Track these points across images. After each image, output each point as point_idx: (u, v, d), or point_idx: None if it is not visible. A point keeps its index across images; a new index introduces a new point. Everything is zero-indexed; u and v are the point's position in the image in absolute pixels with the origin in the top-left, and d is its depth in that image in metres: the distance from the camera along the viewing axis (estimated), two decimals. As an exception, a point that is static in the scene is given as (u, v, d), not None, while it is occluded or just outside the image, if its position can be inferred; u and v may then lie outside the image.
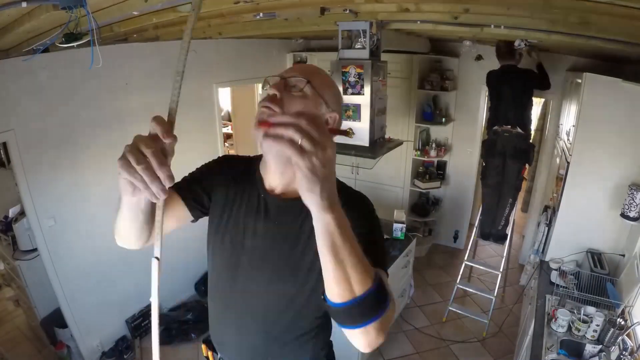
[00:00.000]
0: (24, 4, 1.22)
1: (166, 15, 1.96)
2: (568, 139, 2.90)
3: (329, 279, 0.69)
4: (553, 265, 2.77)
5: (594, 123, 2.58)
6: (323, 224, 0.65)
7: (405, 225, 3.25)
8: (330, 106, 0.97)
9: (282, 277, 1.04)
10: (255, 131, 0.83)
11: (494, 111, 3.30)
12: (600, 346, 2.05)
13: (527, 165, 3.48)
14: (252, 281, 1.07)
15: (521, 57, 3.15)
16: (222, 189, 1.10)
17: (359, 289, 0.68)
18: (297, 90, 0.93)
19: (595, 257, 2.67)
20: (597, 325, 2.10)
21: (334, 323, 0.81)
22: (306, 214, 0.67)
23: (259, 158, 1.12)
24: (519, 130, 3.16)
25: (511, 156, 3.22)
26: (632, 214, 2.36)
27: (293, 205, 0.99)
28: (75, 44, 1.50)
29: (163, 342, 3.23)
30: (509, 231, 3.49)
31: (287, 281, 1.04)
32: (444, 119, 4.32)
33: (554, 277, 2.67)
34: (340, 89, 2.64)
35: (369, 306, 0.70)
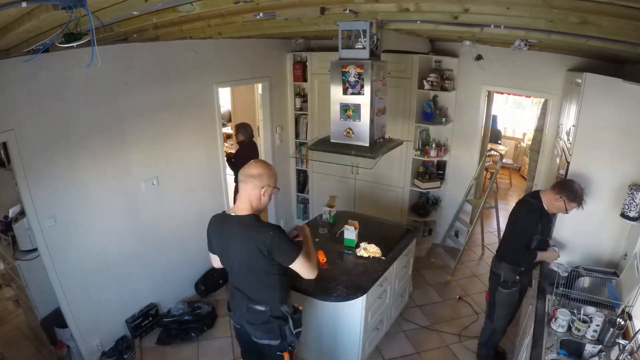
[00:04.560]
0: (24, 4, 1.22)
1: (166, 15, 1.96)
2: (568, 139, 2.89)
3: None
4: (553, 266, 2.76)
5: (594, 123, 2.58)
6: None
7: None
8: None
9: None
10: None
11: None
12: (600, 346, 2.05)
13: None
14: None
15: None
16: None
17: None
18: None
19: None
20: (597, 325, 2.10)
21: None
22: None
23: None
24: None
25: None
26: (632, 214, 2.36)
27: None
28: (75, 44, 1.50)
29: (163, 342, 3.24)
30: None
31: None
32: (444, 119, 4.32)
33: (554, 277, 2.66)
34: (341, 88, 2.67)
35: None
